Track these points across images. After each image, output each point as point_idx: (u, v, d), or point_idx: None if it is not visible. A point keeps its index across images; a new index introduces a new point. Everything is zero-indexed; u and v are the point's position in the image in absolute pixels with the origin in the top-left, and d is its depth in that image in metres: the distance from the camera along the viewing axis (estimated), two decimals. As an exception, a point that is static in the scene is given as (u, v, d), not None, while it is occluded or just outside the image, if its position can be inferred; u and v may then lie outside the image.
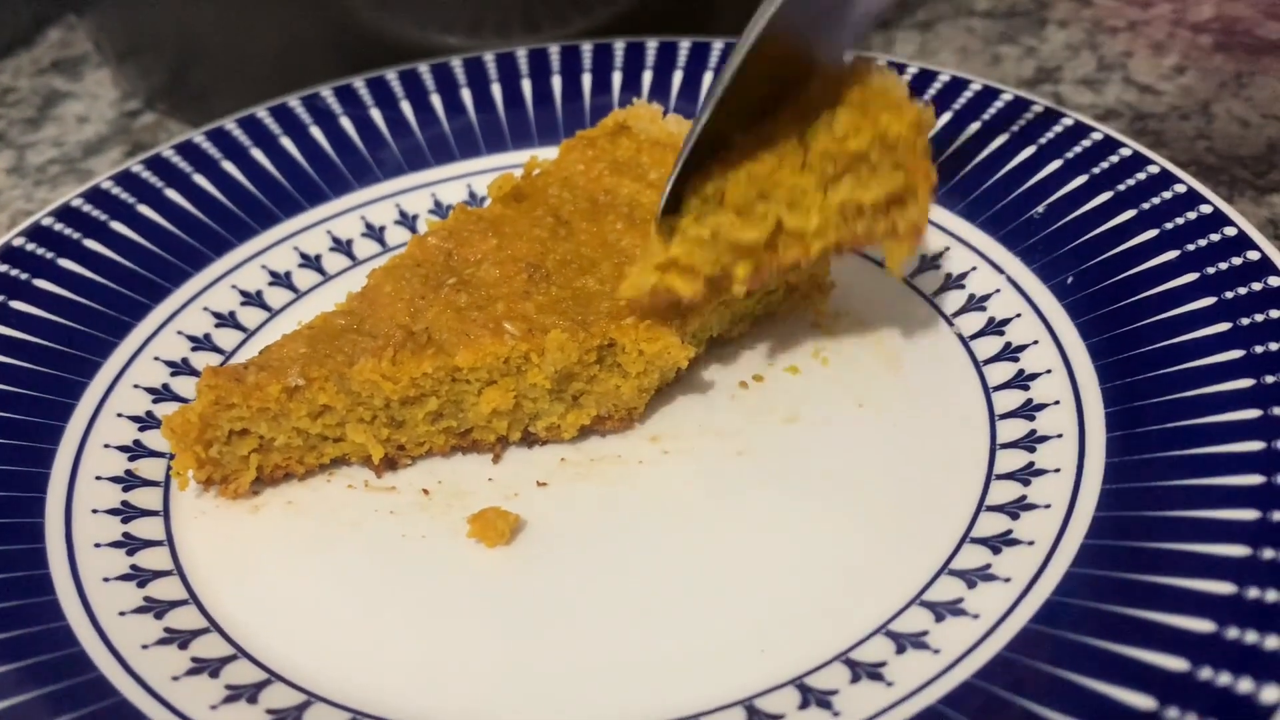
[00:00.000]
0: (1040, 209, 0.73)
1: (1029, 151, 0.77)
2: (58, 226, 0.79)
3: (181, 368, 0.73)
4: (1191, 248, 0.67)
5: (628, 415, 0.68)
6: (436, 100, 0.89)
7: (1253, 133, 0.88)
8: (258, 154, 0.86)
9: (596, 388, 0.67)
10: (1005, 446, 0.63)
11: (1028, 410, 0.64)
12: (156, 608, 0.60)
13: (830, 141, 0.61)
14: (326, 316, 0.68)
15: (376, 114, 0.88)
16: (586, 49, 0.91)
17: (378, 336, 0.66)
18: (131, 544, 0.63)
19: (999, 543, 0.58)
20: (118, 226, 0.80)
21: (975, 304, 0.72)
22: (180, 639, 0.58)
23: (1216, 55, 0.97)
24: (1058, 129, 0.78)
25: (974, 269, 0.73)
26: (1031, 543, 0.57)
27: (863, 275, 0.76)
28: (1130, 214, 0.71)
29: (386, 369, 0.64)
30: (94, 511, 0.64)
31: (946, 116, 0.81)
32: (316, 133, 0.87)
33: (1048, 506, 0.59)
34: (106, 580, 0.61)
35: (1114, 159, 0.74)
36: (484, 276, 0.69)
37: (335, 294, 0.75)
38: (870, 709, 0.52)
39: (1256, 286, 0.63)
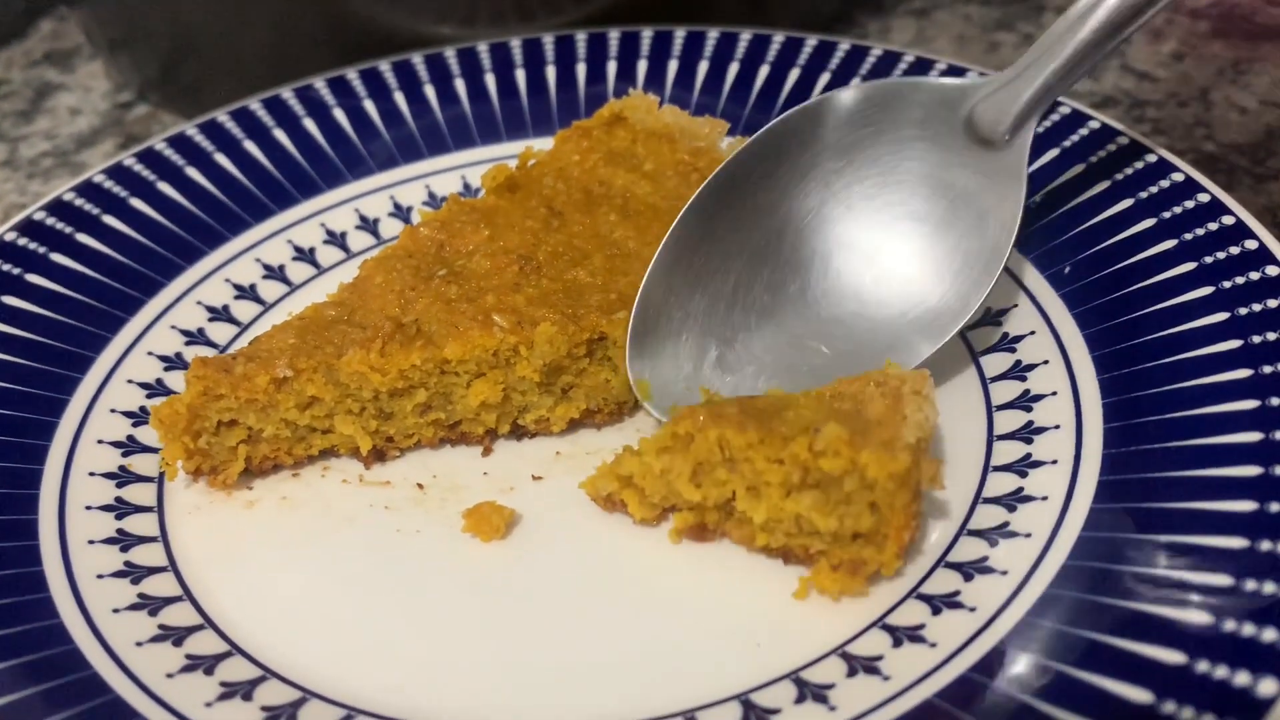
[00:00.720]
0: (1036, 198, 0.73)
1: (1026, 140, 0.76)
2: (50, 221, 0.79)
3: (175, 362, 0.73)
4: (1189, 237, 0.67)
5: (618, 409, 0.68)
6: (430, 91, 0.88)
7: (1251, 120, 0.87)
8: (250, 146, 0.85)
9: (586, 381, 0.67)
10: (1002, 438, 0.63)
11: (1025, 402, 0.64)
12: (150, 604, 0.60)
13: (805, 449, 0.55)
14: (317, 307, 0.68)
15: (370, 105, 0.88)
16: (581, 38, 0.91)
17: (367, 328, 0.65)
18: (125, 540, 0.63)
19: (996, 535, 0.58)
20: (110, 220, 0.80)
21: (972, 294, 0.71)
22: (174, 636, 0.58)
23: (1215, 42, 0.97)
24: (1054, 117, 0.77)
25: (971, 259, 0.73)
26: (1029, 535, 0.57)
27: (859, 266, 0.76)
28: (1128, 203, 0.70)
29: (375, 360, 0.64)
30: (87, 508, 0.64)
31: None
32: (309, 124, 0.87)
33: (1045, 498, 0.59)
34: (100, 577, 0.61)
35: (1111, 147, 0.74)
36: (475, 268, 0.69)
37: (329, 287, 0.74)
38: (866, 703, 0.52)
39: (1254, 276, 0.63)
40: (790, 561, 0.59)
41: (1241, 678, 0.47)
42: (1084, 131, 0.75)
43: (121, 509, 0.65)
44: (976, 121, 0.66)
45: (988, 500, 0.60)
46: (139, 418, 0.69)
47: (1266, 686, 0.47)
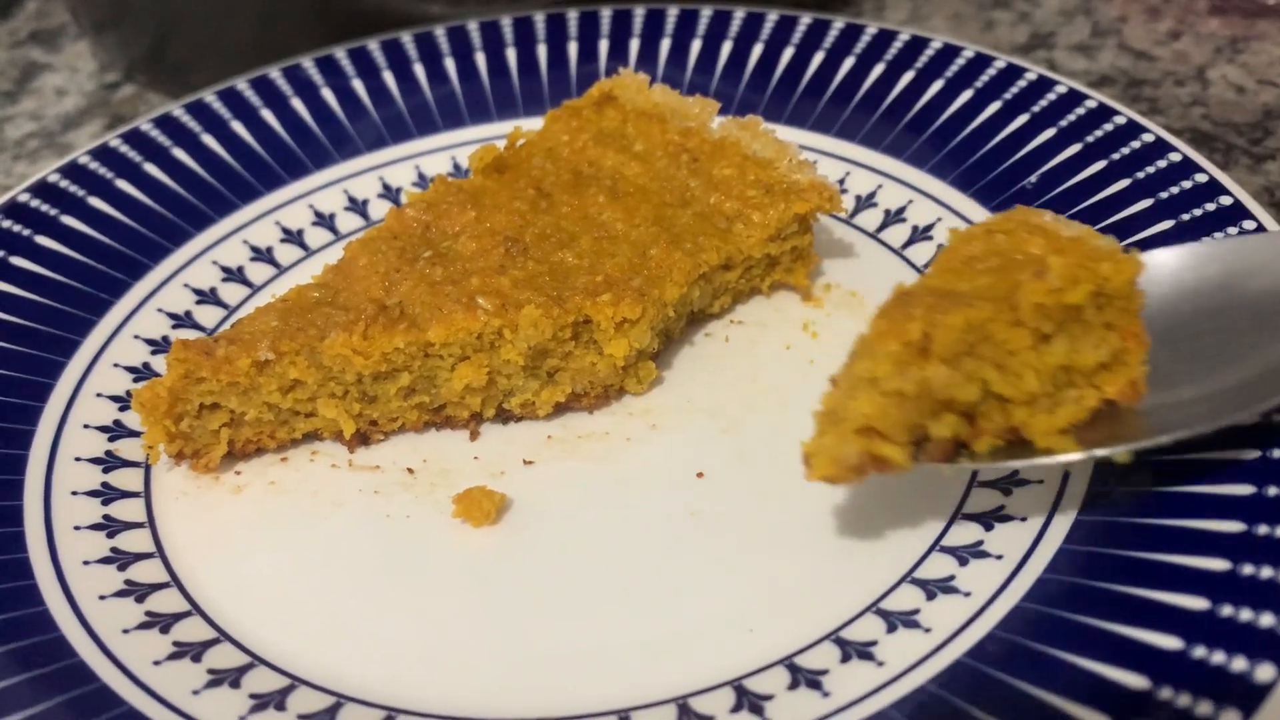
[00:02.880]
0: (1033, 178, 0.72)
1: (1022, 119, 0.76)
2: (35, 203, 0.78)
3: (162, 346, 0.72)
4: (1187, 217, 0.66)
5: (604, 392, 0.67)
6: (419, 70, 0.87)
7: (1248, 99, 0.86)
8: (238, 127, 0.84)
9: (572, 364, 0.66)
10: (997, 421, 0.62)
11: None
12: (137, 591, 0.59)
13: (1044, 293, 0.51)
14: (300, 289, 0.67)
15: (358, 85, 0.87)
16: (572, 17, 0.90)
17: (350, 310, 0.65)
18: (112, 526, 0.62)
19: (991, 519, 0.58)
20: (96, 202, 0.79)
21: (967, 276, 0.70)
22: (162, 623, 0.57)
23: (1212, 20, 0.96)
24: (1051, 96, 0.76)
25: (966, 240, 0.72)
26: (1024, 519, 0.57)
27: (850, 247, 0.75)
28: (1125, 183, 0.69)
29: (357, 343, 0.63)
30: (73, 493, 0.63)
31: (938, 84, 0.80)
32: (298, 104, 0.86)
33: (1040, 482, 0.58)
34: (86, 563, 0.60)
35: (1108, 127, 0.73)
36: (460, 250, 0.68)
37: (317, 269, 0.73)
38: (861, 689, 0.51)
39: (1253, 259, 0.62)
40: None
41: (1239, 663, 0.47)
42: (1081, 110, 0.75)
43: (108, 494, 0.64)
44: None
45: (983, 484, 0.60)
46: (125, 402, 0.68)
47: (1264, 672, 0.46)
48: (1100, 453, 0.53)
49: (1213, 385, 0.55)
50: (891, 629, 0.54)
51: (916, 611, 0.54)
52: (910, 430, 0.53)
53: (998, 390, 0.53)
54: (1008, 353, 0.52)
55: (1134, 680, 0.48)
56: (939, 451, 0.54)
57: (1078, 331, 0.53)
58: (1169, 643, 0.49)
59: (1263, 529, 0.52)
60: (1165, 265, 0.59)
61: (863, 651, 0.53)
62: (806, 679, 0.52)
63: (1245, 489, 0.53)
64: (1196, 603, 0.50)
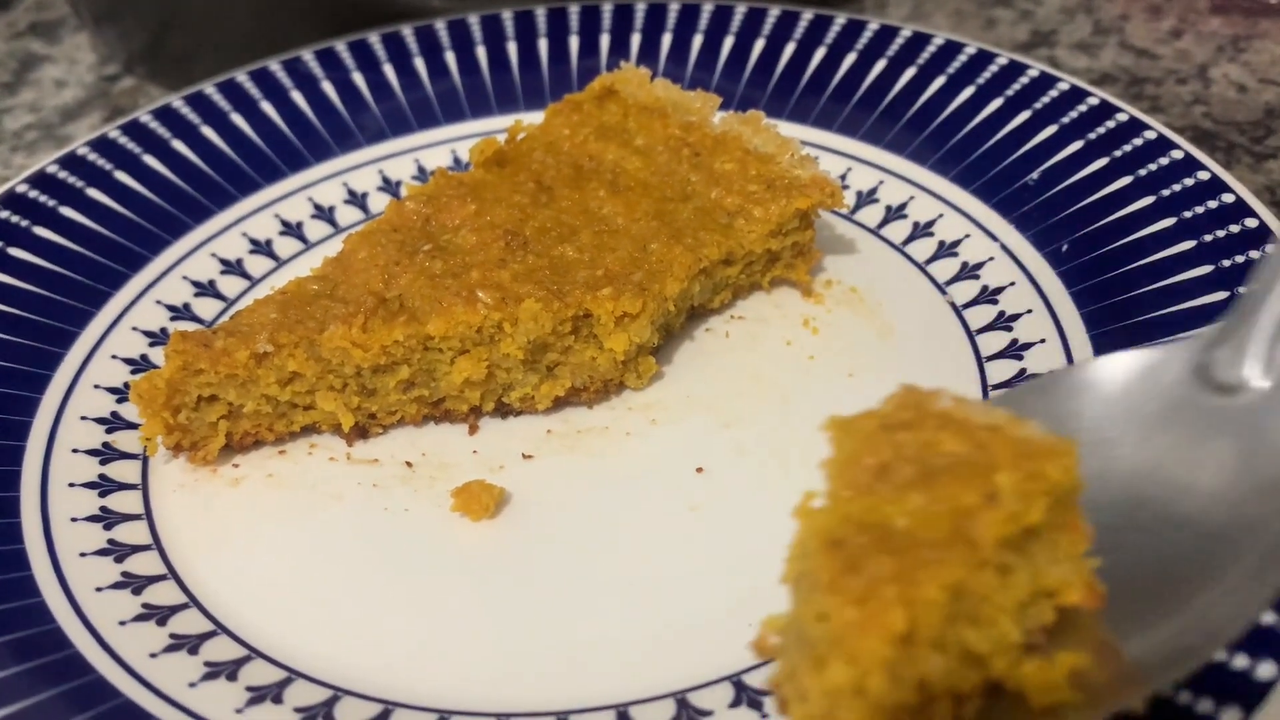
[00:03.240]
0: (1034, 175, 0.72)
1: (1024, 116, 0.76)
2: (33, 193, 0.77)
3: (160, 338, 0.72)
4: (1189, 215, 0.66)
5: (604, 387, 0.67)
6: (420, 64, 0.87)
7: (1250, 98, 0.86)
8: (238, 119, 0.84)
9: (572, 359, 0.66)
10: (998, 418, 0.62)
11: (1021, 380, 0.63)
12: (134, 583, 0.59)
13: (1004, 522, 0.42)
14: (300, 282, 0.67)
15: (359, 78, 0.87)
16: (574, 11, 0.89)
17: (349, 303, 0.64)
18: (109, 518, 0.62)
19: (991, 515, 0.57)
20: (95, 193, 0.78)
21: (968, 272, 0.70)
22: (159, 615, 0.57)
23: (1214, 19, 0.96)
24: (1053, 93, 0.76)
25: (967, 236, 0.72)
26: (1024, 516, 0.56)
27: (852, 243, 0.75)
28: (1126, 180, 0.69)
29: (356, 336, 0.63)
30: (70, 485, 0.63)
31: (940, 80, 0.80)
32: (297, 97, 0.85)
33: (1041, 479, 0.58)
34: (83, 555, 0.60)
35: (1110, 124, 0.73)
36: (461, 243, 0.68)
37: (316, 262, 0.73)
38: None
39: (1254, 254, 0.62)
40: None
41: (1240, 661, 0.47)
42: (1082, 108, 0.74)
43: (105, 486, 0.64)
44: (1214, 376, 0.51)
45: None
46: (123, 394, 0.68)
47: (1265, 669, 0.46)
48: (1110, 708, 0.43)
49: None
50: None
51: (916, 607, 0.54)
52: None
53: (980, 651, 0.43)
54: (979, 601, 0.43)
55: (1134, 677, 0.47)
56: None
57: (1034, 549, 0.44)
58: (1169, 639, 0.48)
59: (1264, 526, 0.51)
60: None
61: (862, 647, 0.53)
62: (805, 674, 0.52)
63: (1246, 486, 0.53)
64: (1197, 600, 0.49)
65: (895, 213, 0.75)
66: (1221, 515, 0.48)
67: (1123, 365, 0.53)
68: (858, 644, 0.40)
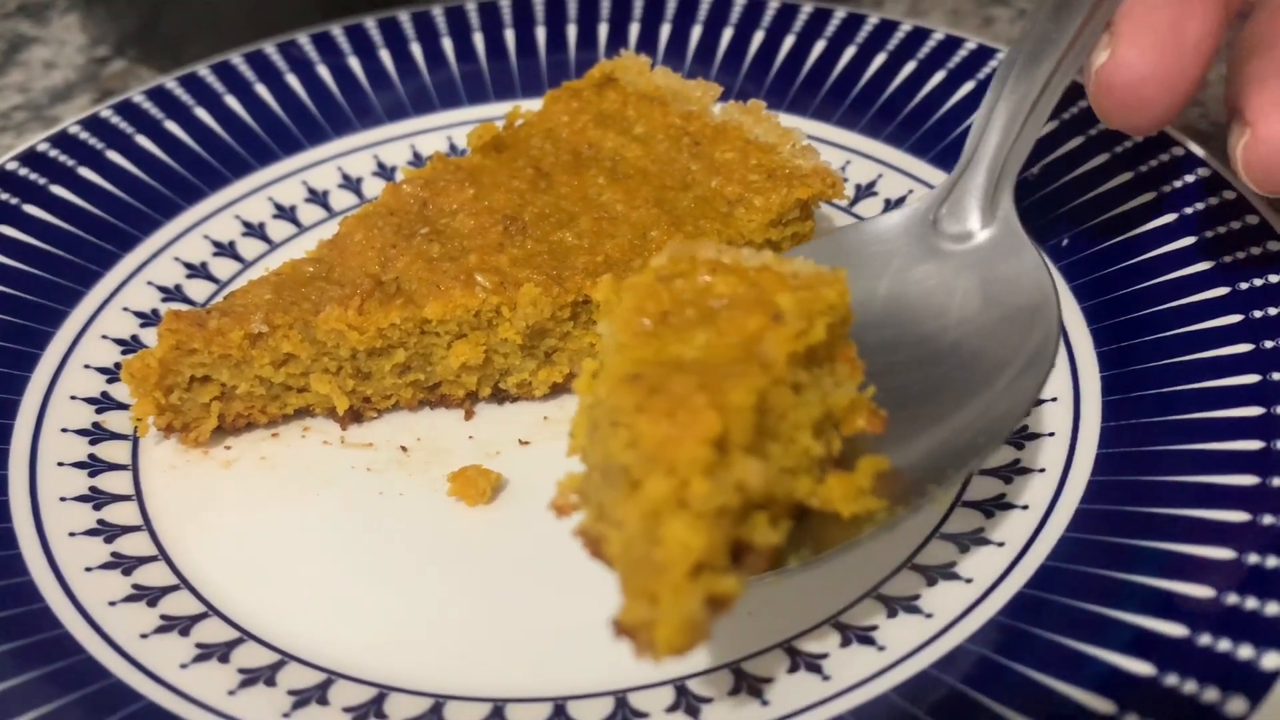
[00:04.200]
0: (1035, 170, 0.72)
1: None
2: (23, 171, 0.76)
3: (151, 319, 0.71)
4: (1190, 211, 0.66)
5: (601, 374, 0.66)
6: (417, 49, 0.86)
7: (1247, 99, 0.86)
8: (231, 101, 0.83)
9: (570, 345, 0.65)
10: (999, 409, 0.62)
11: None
12: (124, 564, 0.58)
13: (791, 338, 0.44)
14: (295, 264, 0.66)
15: (355, 62, 0.86)
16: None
17: (345, 285, 0.64)
18: (99, 498, 0.61)
19: (992, 506, 0.57)
20: (86, 173, 0.77)
21: (968, 266, 0.70)
22: (149, 596, 0.56)
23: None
24: (1053, 89, 0.76)
25: (967, 230, 0.72)
26: (1026, 507, 0.56)
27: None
28: (1127, 176, 0.69)
29: (352, 318, 0.62)
30: (60, 465, 0.62)
31: (940, 75, 0.80)
32: (292, 80, 0.84)
33: (1042, 471, 0.58)
34: (72, 535, 0.59)
35: (1111, 120, 0.73)
36: (458, 227, 0.67)
37: (310, 245, 0.72)
38: (861, 673, 0.51)
39: (1255, 251, 0.62)
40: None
41: (1245, 651, 0.47)
42: (1083, 103, 0.74)
43: (95, 466, 0.63)
44: (944, 229, 0.60)
45: (984, 473, 0.59)
46: (113, 374, 0.67)
47: (1270, 660, 0.46)
48: (902, 515, 0.48)
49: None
50: (892, 614, 0.53)
51: (917, 597, 0.54)
52: (727, 551, 0.42)
53: (784, 465, 0.45)
54: (779, 418, 0.44)
55: (1139, 667, 0.47)
56: (763, 561, 0.44)
57: (820, 374, 0.47)
58: (1174, 630, 0.48)
59: (1268, 519, 0.51)
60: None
61: (863, 636, 0.52)
62: (806, 663, 0.52)
63: (1250, 479, 0.53)
64: (1202, 591, 0.49)
65: (894, 206, 0.75)
66: (977, 343, 0.55)
67: (878, 224, 0.62)
68: (674, 453, 0.40)
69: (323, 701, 0.52)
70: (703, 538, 0.40)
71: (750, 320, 0.45)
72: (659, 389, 0.42)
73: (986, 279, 0.58)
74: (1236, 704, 0.45)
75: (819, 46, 0.83)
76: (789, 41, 0.84)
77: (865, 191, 0.76)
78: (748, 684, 0.51)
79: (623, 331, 0.46)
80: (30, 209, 0.74)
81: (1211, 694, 0.45)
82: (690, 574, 0.40)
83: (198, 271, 0.74)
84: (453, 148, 0.82)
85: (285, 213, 0.78)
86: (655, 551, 0.40)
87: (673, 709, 0.51)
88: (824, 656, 0.52)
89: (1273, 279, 0.61)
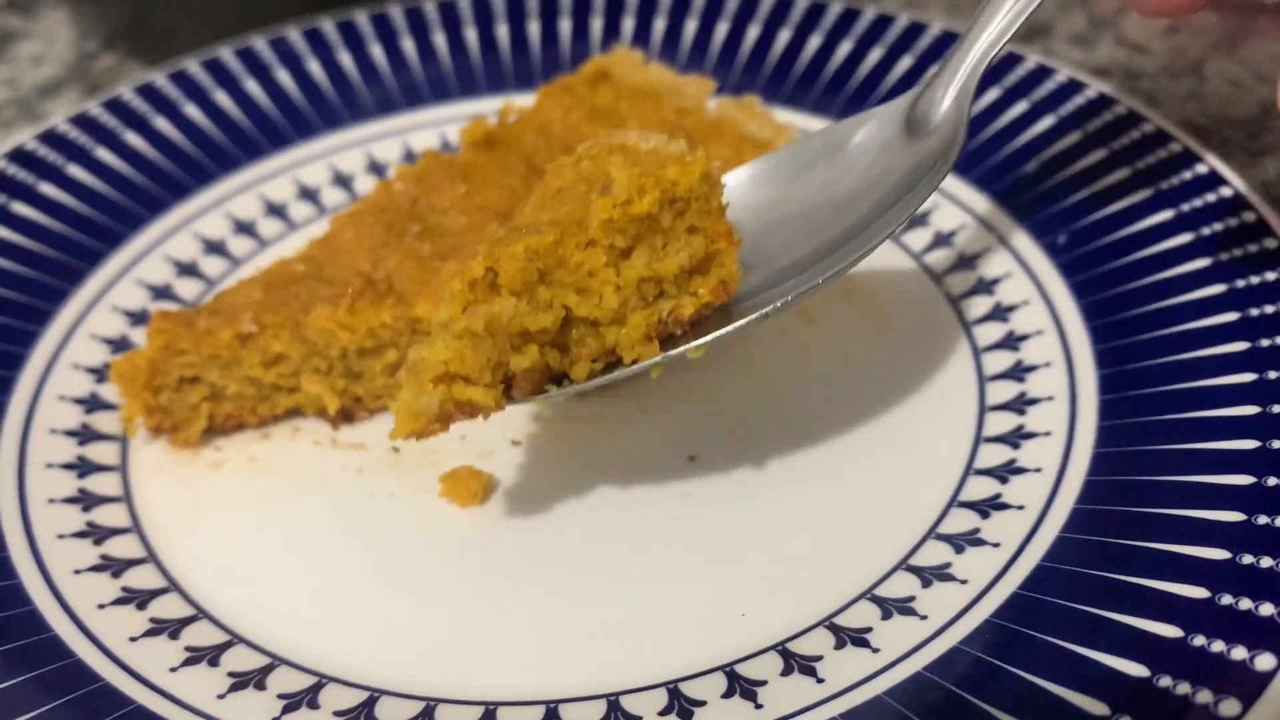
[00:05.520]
0: (1032, 166, 0.72)
1: (1021, 108, 0.75)
2: (10, 170, 0.76)
3: (141, 318, 0.70)
4: (1187, 208, 0.65)
5: (592, 374, 0.66)
6: (408, 44, 0.86)
7: (1245, 94, 0.86)
8: (221, 97, 0.82)
9: None
10: (994, 409, 0.62)
11: (1018, 372, 0.63)
12: (113, 566, 0.57)
13: (610, 208, 0.51)
14: (285, 263, 0.66)
15: (345, 57, 0.85)
16: (565, -6, 0.88)
17: (336, 284, 0.63)
18: (87, 500, 0.61)
19: (987, 507, 0.57)
20: (74, 170, 0.77)
21: (965, 263, 0.70)
22: (138, 599, 0.56)
23: (1208, 13, 0.95)
24: (1050, 85, 0.76)
25: (963, 227, 0.71)
26: (1021, 507, 0.56)
27: (848, 232, 0.74)
28: (1124, 172, 0.69)
29: (343, 317, 0.62)
30: (48, 466, 0.62)
31: (937, 69, 0.79)
32: (283, 75, 0.84)
33: (1038, 470, 0.57)
34: (61, 537, 0.58)
35: (1108, 116, 0.72)
36: (450, 225, 0.67)
37: (301, 244, 0.72)
38: (855, 675, 0.50)
39: (1253, 248, 0.62)
40: (664, 340, 0.55)
41: (1238, 651, 0.46)
42: (1080, 100, 0.74)
43: (83, 467, 0.62)
44: (917, 120, 0.60)
45: (979, 472, 0.59)
46: (102, 374, 0.67)
47: (1264, 660, 0.46)
48: (675, 352, 0.54)
49: (790, 258, 0.57)
50: (887, 616, 0.53)
51: (912, 599, 0.53)
52: (496, 370, 0.52)
53: (581, 314, 0.53)
54: (587, 274, 0.52)
55: (1133, 668, 0.47)
56: (528, 384, 0.53)
57: (659, 242, 0.53)
58: (1168, 631, 0.48)
59: (1262, 519, 0.51)
60: (742, 174, 0.61)
61: (857, 638, 0.52)
62: (800, 664, 0.51)
63: (1245, 479, 0.53)
64: (1196, 591, 0.49)
65: (889, 202, 0.74)
66: (876, 194, 0.58)
67: (850, 124, 0.61)
68: (445, 288, 0.52)
69: (313, 705, 0.51)
70: (451, 353, 0.51)
71: (591, 192, 0.53)
72: (483, 243, 0.53)
73: (911, 149, 0.59)
74: (1230, 705, 0.45)
75: (815, 41, 0.83)
76: (785, 36, 0.84)
77: (860, 188, 0.76)
78: (741, 687, 0.51)
79: (533, 201, 0.56)
80: (18, 207, 0.73)
81: (1205, 695, 0.45)
82: (437, 378, 0.51)
83: (188, 270, 0.73)
84: (446, 143, 0.81)
85: (276, 210, 0.77)
86: (424, 358, 0.51)
87: (665, 712, 0.50)
88: (818, 659, 0.52)
89: (1270, 276, 0.60)
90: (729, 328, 0.54)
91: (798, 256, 0.57)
